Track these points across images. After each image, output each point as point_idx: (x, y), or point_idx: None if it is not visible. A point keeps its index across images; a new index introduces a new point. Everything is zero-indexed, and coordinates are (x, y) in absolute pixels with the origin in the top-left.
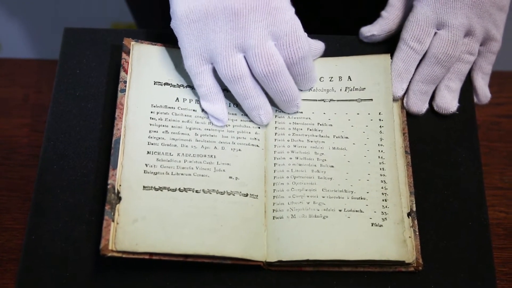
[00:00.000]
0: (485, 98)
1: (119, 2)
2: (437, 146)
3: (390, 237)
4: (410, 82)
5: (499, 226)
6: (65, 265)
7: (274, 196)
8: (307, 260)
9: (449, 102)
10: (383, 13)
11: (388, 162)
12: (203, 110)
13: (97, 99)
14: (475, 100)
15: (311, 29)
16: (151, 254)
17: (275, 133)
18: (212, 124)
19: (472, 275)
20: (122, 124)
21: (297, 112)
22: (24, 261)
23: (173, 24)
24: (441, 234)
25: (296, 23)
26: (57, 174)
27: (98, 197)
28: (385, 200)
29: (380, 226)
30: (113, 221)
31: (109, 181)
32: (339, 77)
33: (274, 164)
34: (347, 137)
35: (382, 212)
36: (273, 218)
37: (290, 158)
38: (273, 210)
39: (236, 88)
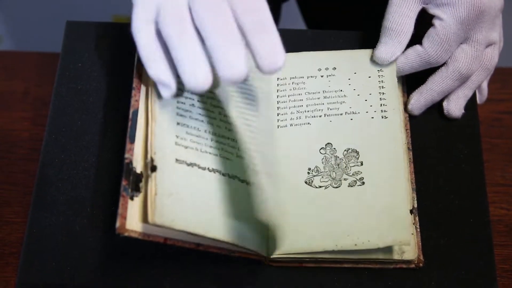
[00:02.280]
0: (485, 97)
1: None
2: (438, 143)
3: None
4: (423, 88)
5: (500, 223)
6: (66, 259)
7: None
8: (309, 257)
9: (461, 109)
10: (395, 26)
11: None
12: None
13: (99, 93)
14: (477, 98)
15: (315, 24)
16: (165, 239)
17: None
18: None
19: (473, 272)
20: (140, 94)
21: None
22: (25, 255)
23: None
24: (442, 230)
25: None
26: (58, 168)
27: (100, 191)
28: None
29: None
30: (145, 194)
31: (126, 155)
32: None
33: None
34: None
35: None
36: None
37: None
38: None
39: (175, 32)
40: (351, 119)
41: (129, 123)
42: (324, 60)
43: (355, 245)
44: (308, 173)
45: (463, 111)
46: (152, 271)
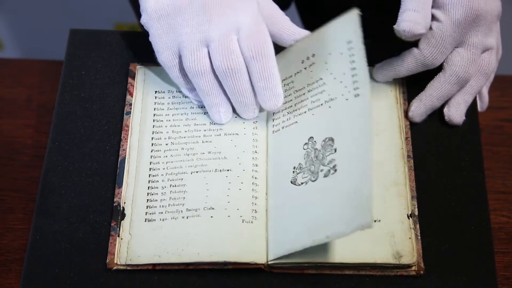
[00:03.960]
0: (486, 105)
1: (121, 3)
2: (439, 150)
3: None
4: (423, 94)
5: (501, 231)
6: (69, 266)
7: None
8: (309, 263)
9: (462, 115)
10: (417, 7)
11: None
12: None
13: (102, 100)
14: (478, 105)
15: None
16: (154, 265)
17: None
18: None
19: (474, 280)
20: (127, 145)
21: (256, 117)
22: (29, 261)
23: (143, 20)
24: (443, 238)
25: (259, 18)
26: (61, 175)
27: (103, 197)
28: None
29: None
30: (118, 236)
31: (115, 199)
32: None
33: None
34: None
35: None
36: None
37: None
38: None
39: (199, 83)
40: (329, 107)
41: (117, 171)
42: (304, 50)
43: (327, 237)
44: (293, 171)
45: (464, 117)
46: (155, 279)
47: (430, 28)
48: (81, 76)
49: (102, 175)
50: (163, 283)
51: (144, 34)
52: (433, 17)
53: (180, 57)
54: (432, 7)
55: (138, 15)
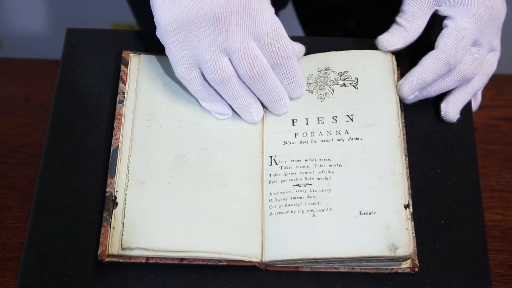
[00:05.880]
0: (478, 104)
1: (118, 3)
2: (434, 148)
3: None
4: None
5: (495, 228)
6: (66, 264)
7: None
8: (302, 259)
9: (458, 113)
10: (404, 23)
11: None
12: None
13: (99, 99)
14: (473, 104)
15: (313, 31)
16: (147, 257)
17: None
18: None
19: (468, 277)
20: (120, 133)
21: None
22: (25, 260)
23: (158, 33)
24: (438, 235)
25: (276, 23)
26: (58, 173)
27: (99, 196)
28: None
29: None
30: (110, 226)
31: (108, 189)
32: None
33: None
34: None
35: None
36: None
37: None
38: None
39: (225, 90)
40: None
41: (110, 160)
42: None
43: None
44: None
45: (459, 115)
46: (150, 277)
47: (446, 27)
48: (78, 74)
49: (99, 173)
50: (158, 280)
51: (140, 32)
52: (448, 17)
53: (199, 69)
54: (448, 6)
55: (136, 15)
